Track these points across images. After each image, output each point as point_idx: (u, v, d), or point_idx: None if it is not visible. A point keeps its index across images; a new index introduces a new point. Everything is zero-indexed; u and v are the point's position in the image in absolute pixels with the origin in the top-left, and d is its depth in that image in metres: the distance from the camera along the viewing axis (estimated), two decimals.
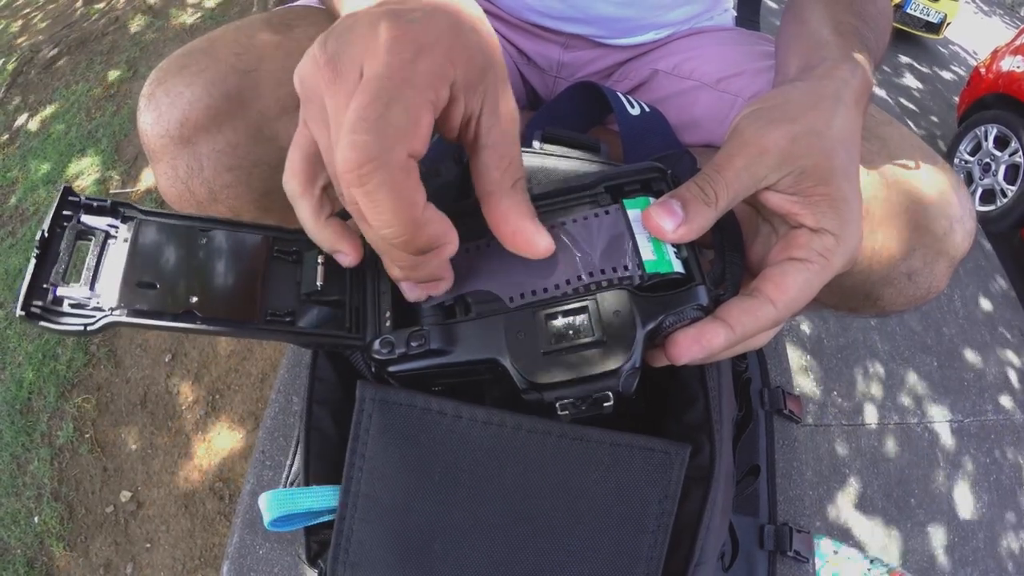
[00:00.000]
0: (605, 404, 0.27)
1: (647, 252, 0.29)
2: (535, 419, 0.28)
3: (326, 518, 0.31)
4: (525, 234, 0.27)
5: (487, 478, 0.28)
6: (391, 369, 0.28)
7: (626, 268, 0.28)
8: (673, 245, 0.29)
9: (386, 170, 0.22)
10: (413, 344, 0.27)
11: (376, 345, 0.28)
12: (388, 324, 0.29)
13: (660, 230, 0.28)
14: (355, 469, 0.29)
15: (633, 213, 0.30)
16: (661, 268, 0.28)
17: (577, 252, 0.29)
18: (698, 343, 0.28)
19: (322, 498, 0.30)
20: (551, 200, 0.31)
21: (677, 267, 0.29)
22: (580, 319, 0.27)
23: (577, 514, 0.28)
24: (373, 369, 0.29)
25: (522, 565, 0.28)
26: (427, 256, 0.26)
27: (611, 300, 0.28)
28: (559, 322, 0.28)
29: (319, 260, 0.30)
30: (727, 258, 0.31)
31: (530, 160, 0.38)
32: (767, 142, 0.29)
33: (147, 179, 1.83)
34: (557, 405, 0.27)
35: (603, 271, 0.28)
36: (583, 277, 0.28)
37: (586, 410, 0.28)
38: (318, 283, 0.29)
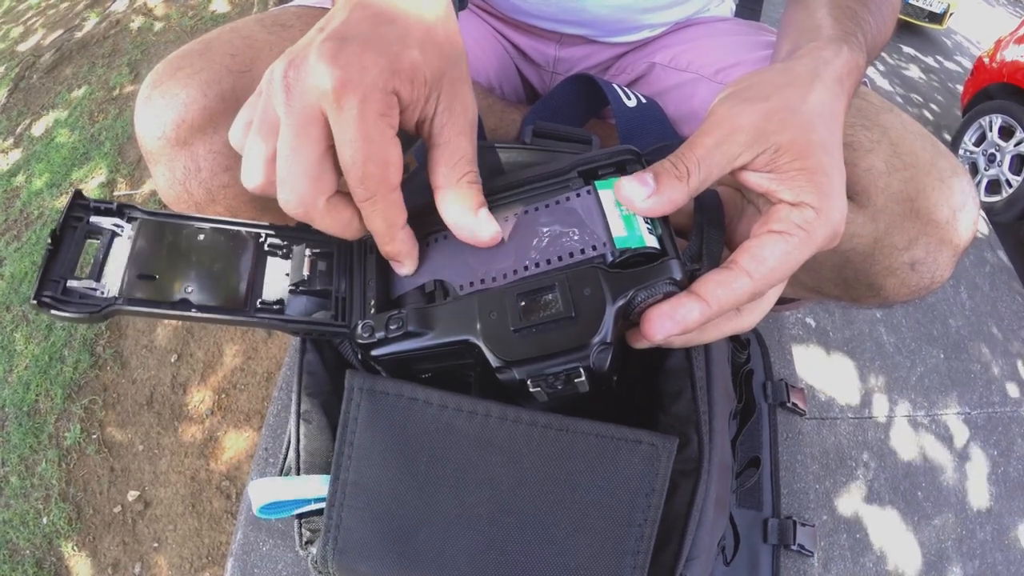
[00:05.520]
0: (577, 380, 0.27)
1: (618, 229, 0.29)
2: (520, 409, 0.29)
3: (316, 506, 0.32)
4: (469, 225, 0.29)
5: (472, 468, 0.29)
6: (374, 353, 0.29)
7: (595, 248, 0.29)
8: (647, 221, 0.29)
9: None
10: (392, 327, 0.28)
11: (358, 329, 0.29)
12: (372, 311, 0.30)
13: (630, 200, 0.28)
14: (344, 457, 0.29)
15: (605, 193, 0.30)
16: (632, 243, 0.28)
17: (546, 236, 0.29)
18: (671, 318, 0.27)
19: (310, 487, 0.31)
20: (524, 188, 0.31)
21: (650, 242, 0.29)
22: (550, 296, 0.28)
23: (562, 506, 0.28)
24: (359, 356, 0.30)
25: (506, 556, 0.28)
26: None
27: (582, 277, 0.28)
28: (530, 300, 0.28)
29: (307, 254, 0.32)
30: (705, 234, 0.31)
31: (519, 156, 0.38)
32: (740, 121, 0.29)
33: (151, 182, 1.84)
34: (529, 382, 0.27)
35: (573, 252, 0.29)
36: (549, 261, 0.29)
37: (561, 389, 0.28)
38: (305, 274, 0.31)
